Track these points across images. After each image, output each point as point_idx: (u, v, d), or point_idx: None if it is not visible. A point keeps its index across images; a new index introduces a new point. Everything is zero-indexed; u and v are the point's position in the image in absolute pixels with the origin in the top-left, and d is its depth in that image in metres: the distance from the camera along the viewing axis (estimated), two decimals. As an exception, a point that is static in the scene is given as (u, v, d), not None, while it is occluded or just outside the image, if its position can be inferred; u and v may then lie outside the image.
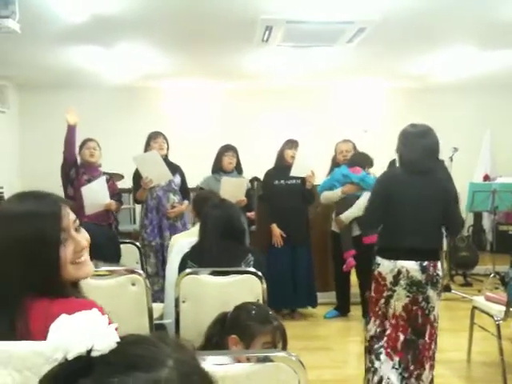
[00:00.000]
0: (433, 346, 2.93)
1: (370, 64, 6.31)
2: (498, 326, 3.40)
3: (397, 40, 5.24)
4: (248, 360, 1.28)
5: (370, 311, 3.04)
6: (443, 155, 6.51)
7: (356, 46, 5.19)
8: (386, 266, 2.92)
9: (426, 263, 2.87)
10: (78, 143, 4.58)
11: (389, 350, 2.88)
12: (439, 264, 2.94)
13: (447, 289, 5.55)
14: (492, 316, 3.47)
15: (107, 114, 7.31)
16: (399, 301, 2.89)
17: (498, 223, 6.72)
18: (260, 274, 2.47)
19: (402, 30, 4.87)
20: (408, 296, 2.87)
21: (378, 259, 2.98)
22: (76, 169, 4.47)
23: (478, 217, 7.50)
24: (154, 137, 4.62)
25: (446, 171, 3.68)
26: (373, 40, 5.05)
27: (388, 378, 2.87)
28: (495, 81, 7.08)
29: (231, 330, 2.02)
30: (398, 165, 3.19)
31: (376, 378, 2.90)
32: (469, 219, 7.14)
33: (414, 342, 2.88)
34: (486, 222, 7.50)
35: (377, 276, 2.98)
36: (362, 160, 4.72)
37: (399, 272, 2.88)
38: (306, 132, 6.95)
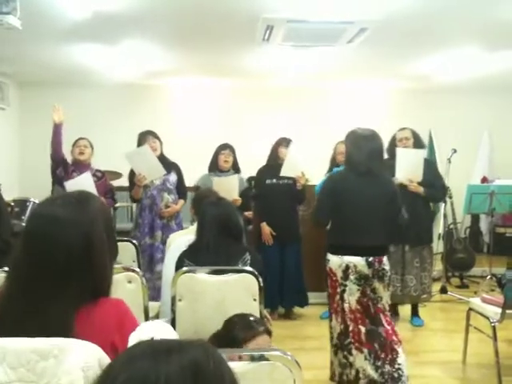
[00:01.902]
0: (395, 332, 3.04)
1: (370, 64, 6.30)
2: (494, 328, 3.41)
3: (398, 41, 5.23)
4: (243, 359, 1.29)
5: (329, 308, 3.18)
6: (442, 156, 6.54)
7: (357, 46, 5.19)
8: (334, 262, 3.07)
9: (371, 259, 3.02)
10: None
11: (356, 345, 3.00)
12: (385, 259, 3.08)
13: (443, 290, 5.56)
14: (488, 318, 3.48)
15: (109, 111, 7.30)
16: (352, 295, 3.03)
17: (495, 225, 6.72)
18: (257, 273, 2.48)
19: (403, 31, 4.87)
20: (358, 289, 3.02)
21: (328, 255, 3.13)
22: (64, 167, 4.44)
23: (475, 219, 7.51)
24: (142, 140, 4.55)
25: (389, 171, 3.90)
26: (374, 40, 5.04)
27: (364, 370, 2.98)
28: (495, 82, 7.08)
29: (222, 345, 2.05)
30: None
31: (353, 372, 3.01)
32: (466, 221, 7.15)
33: (376, 331, 3.00)
34: (483, 224, 7.49)
35: (328, 271, 3.13)
36: None
37: (347, 267, 3.03)
38: (306, 132, 6.97)
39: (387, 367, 2.95)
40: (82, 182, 4.22)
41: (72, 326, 1.23)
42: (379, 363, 2.95)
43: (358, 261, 3.02)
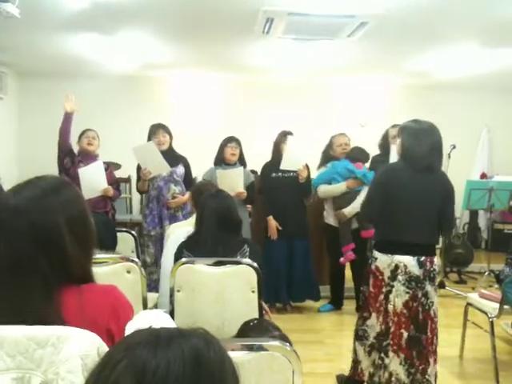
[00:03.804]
0: (435, 341, 2.94)
1: (370, 60, 6.29)
2: (492, 323, 3.41)
3: (398, 36, 5.22)
4: (242, 349, 1.28)
5: (368, 306, 3.01)
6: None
7: (357, 40, 5.18)
8: (383, 261, 2.92)
9: (423, 258, 2.87)
10: (77, 132, 4.56)
11: (395, 348, 2.89)
12: (435, 259, 2.96)
13: (441, 285, 5.56)
14: (486, 313, 3.49)
15: (107, 103, 7.28)
16: (399, 297, 2.88)
17: (493, 222, 6.73)
18: (255, 265, 2.47)
19: (403, 26, 4.85)
20: (408, 292, 2.87)
21: (376, 253, 2.97)
22: (71, 158, 4.45)
23: (473, 215, 7.52)
24: (153, 132, 4.62)
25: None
26: (374, 35, 5.03)
27: (397, 374, 2.88)
28: (495, 80, 7.07)
29: None
30: (393, 160, 3.16)
31: (386, 375, 2.91)
32: (464, 217, 7.15)
33: (418, 339, 2.88)
34: (482, 220, 7.51)
35: (374, 270, 2.97)
36: (361, 155, 4.73)
37: (397, 267, 2.88)
38: (306, 126, 6.94)
39: (418, 376, 2.87)
40: (94, 171, 4.27)
41: (51, 316, 1.21)
42: (413, 370, 2.87)
43: (409, 260, 2.86)
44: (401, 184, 2.91)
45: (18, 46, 5.80)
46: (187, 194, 4.63)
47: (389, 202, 2.91)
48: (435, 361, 2.94)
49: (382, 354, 2.93)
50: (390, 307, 2.89)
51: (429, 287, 2.90)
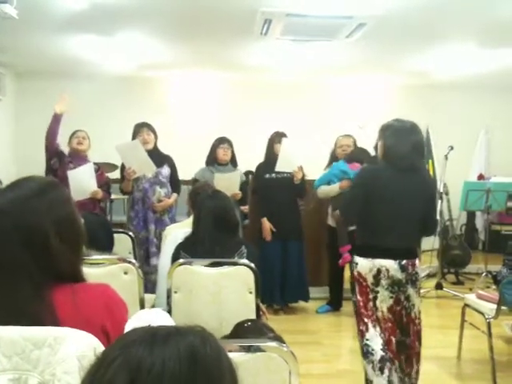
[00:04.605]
0: (417, 343, 2.88)
1: (369, 59, 6.29)
2: (489, 324, 3.42)
3: (396, 37, 5.22)
4: (240, 349, 1.28)
5: (362, 318, 2.85)
6: (438, 153, 6.52)
7: (355, 41, 5.18)
8: (364, 266, 2.82)
9: (404, 262, 2.79)
10: (71, 132, 4.55)
11: (391, 356, 2.81)
12: (417, 262, 2.88)
13: (439, 287, 5.57)
14: (483, 314, 3.49)
15: (105, 103, 7.27)
16: (384, 303, 2.81)
17: (490, 223, 6.74)
18: (253, 265, 2.47)
19: (401, 27, 4.86)
20: (391, 297, 2.81)
21: (356, 258, 2.86)
22: (59, 158, 4.38)
23: (471, 216, 7.53)
24: (137, 131, 4.52)
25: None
26: (372, 36, 5.03)
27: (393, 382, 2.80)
28: (493, 80, 7.08)
29: None
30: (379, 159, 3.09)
31: None
32: (462, 218, 7.15)
33: (404, 343, 2.83)
34: (479, 222, 7.52)
35: (357, 277, 2.86)
36: (361, 156, 4.72)
37: (379, 271, 2.79)
38: (304, 127, 6.95)
39: (406, 379, 2.82)
40: (84, 173, 4.21)
41: (44, 314, 1.21)
42: (402, 375, 2.82)
43: (391, 264, 2.77)
44: (382, 184, 2.81)
45: (15, 46, 5.79)
46: (173, 197, 4.56)
47: (370, 204, 2.81)
48: (417, 361, 2.88)
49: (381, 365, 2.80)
50: (380, 314, 2.81)
51: (411, 290, 2.83)
